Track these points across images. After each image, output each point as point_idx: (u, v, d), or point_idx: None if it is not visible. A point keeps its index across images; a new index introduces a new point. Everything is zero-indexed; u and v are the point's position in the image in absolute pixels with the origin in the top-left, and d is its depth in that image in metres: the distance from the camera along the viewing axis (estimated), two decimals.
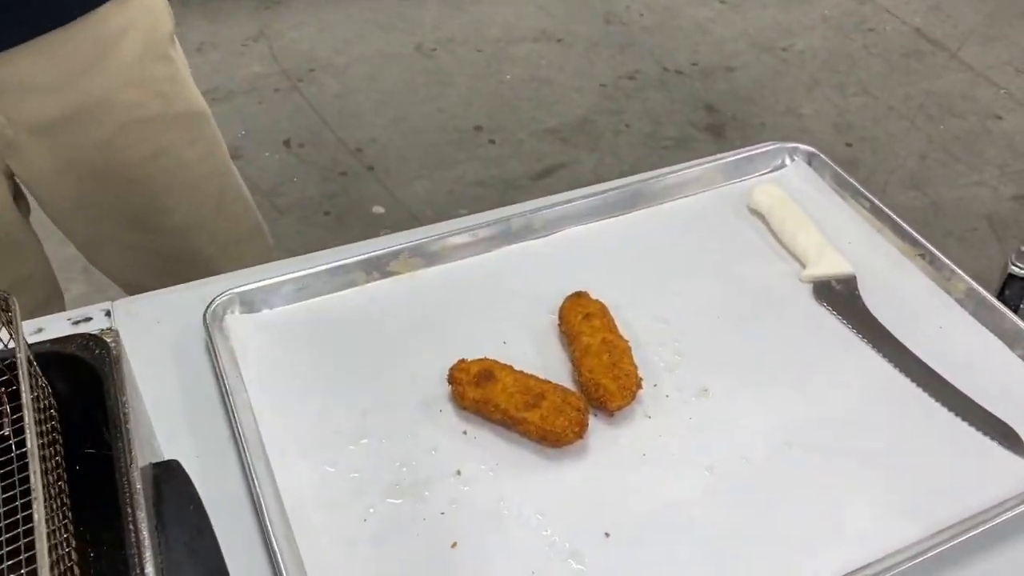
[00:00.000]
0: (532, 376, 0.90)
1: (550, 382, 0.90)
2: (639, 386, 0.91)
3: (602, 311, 0.97)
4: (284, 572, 0.75)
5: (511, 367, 0.91)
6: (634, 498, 0.85)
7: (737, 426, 0.92)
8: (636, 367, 0.92)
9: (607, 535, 0.82)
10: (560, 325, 0.98)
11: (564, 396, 0.87)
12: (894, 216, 1.14)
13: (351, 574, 0.78)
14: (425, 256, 1.07)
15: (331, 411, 0.91)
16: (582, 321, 0.95)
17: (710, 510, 0.85)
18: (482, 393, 0.88)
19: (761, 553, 0.81)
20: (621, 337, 0.95)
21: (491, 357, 0.92)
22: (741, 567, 0.80)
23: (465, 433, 0.90)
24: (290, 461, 0.86)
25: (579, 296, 0.99)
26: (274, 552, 0.77)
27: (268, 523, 0.78)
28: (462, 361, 0.91)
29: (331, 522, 0.82)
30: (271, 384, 0.93)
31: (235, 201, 1.23)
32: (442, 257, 1.07)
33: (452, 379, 0.90)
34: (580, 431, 0.86)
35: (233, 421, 0.87)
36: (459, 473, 0.86)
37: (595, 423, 0.91)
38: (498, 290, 1.05)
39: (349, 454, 0.87)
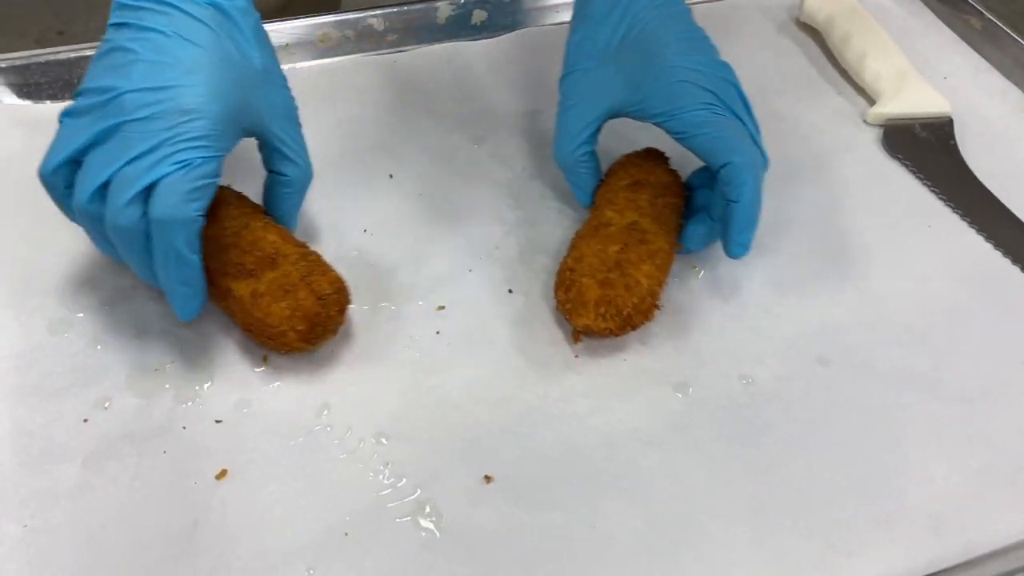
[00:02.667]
0: (284, 233, 0.53)
1: (309, 250, 0.53)
2: (645, 315, 0.53)
3: (670, 188, 0.59)
4: None
5: (260, 210, 0.55)
6: (550, 425, 0.51)
7: (740, 327, 0.56)
8: (660, 286, 0.54)
9: (488, 480, 0.48)
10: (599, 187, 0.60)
11: (313, 269, 0.51)
12: (1021, 40, 0.75)
13: (31, 508, 0.46)
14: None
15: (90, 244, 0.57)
16: (624, 189, 0.58)
17: (674, 455, 0.50)
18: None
19: (755, 534, 0.47)
20: (667, 237, 0.56)
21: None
22: (715, 556, 0.46)
23: None
24: None
25: (647, 156, 0.61)
26: None
27: None
28: None
29: (28, 421, 0.49)
30: (13, 209, 0.59)
31: None
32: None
33: None
34: (308, 334, 0.50)
35: None
36: (265, 360, 0.53)
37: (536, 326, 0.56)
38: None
39: (102, 314, 0.54)
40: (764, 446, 0.51)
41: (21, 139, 0.63)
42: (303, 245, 0.53)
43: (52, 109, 0.65)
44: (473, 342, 0.54)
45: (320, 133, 0.66)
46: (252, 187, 0.56)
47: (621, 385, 0.53)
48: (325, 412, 0.51)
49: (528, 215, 0.62)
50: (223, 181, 0.57)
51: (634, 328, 0.53)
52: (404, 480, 0.48)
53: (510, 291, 0.57)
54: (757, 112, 0.71)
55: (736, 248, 0.55)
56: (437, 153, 0.65)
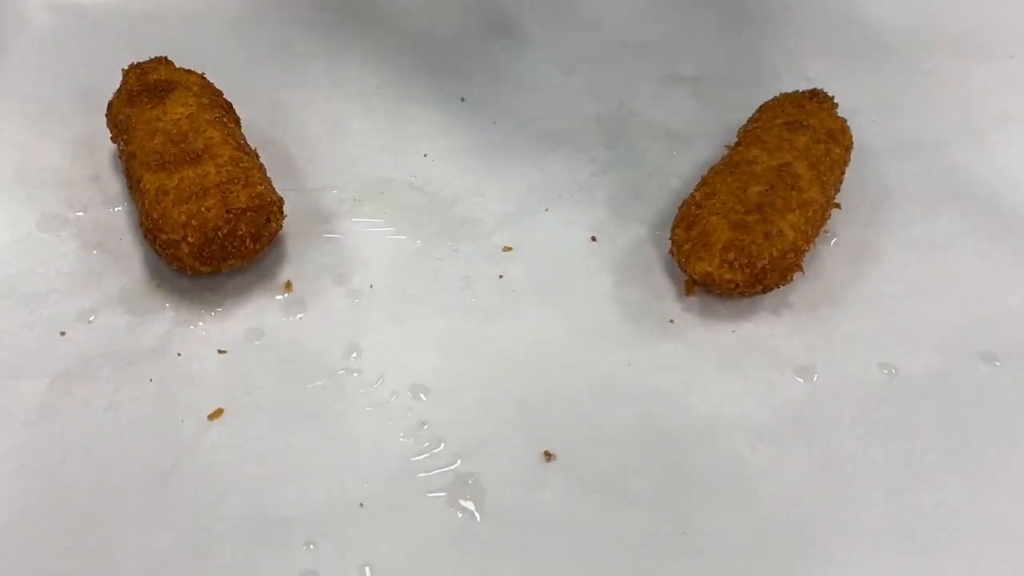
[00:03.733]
0: (234, 134, 0.44)
1: (251, 157, 0.44)
2: (782, 275, 0.42)
3: (835, 137, 0.47)
4: None
5: (222, 105, 0.46)
6: (633, 399, 0.40)
7: (881, 307, 0.45)
8: (808, 244, 0.43)
9: (549, 457, 0.38)
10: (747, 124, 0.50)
11: (239, 178, 0.41)
12: None
13: None
14: None
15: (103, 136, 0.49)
16: (779, 128, 0.47)
17: (791, 452, 0.39)
18: (131, 116, 0.44)
19: (898, 565, 0.35)
20: (823, 190, 0.45)
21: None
22: None
23: None
24: None
25: (811, 97, 0.49)
26: None
27: None
28: (158, 61, 0.47)
29: (10, 322, 0.40)
30: (25, 92, 0.51)
31: None
32: None
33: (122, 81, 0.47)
34: (202, 250, 0.40)
35: None
36: (289, 286, 0.43)
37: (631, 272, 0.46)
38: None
39: (106, 215, 0.45)
40: (913, 455, 0.39)
41: (51, 24, 0.56)
42: (249, 152, 0.44)
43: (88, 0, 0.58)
44: (543, 291, 0.44)
45: (388, 44, 0.57)
46: (253, 111, 0.47)
47: (727, 360, 0.42)
48: (354, 355, 0.41)
49: (623, 155, 0.51)
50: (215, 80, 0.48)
51: (765, 290, 0.42)
52: (442, 446, 0.38)
53: (593, 239, 0.47)
54: (910, 71, 0.60)
55: None
56: (520, 79, 0.55)
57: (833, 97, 0.50)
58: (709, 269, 0.41)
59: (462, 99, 0.54)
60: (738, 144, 0.47)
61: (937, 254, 0.47)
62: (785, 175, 0.43)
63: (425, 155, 0.50)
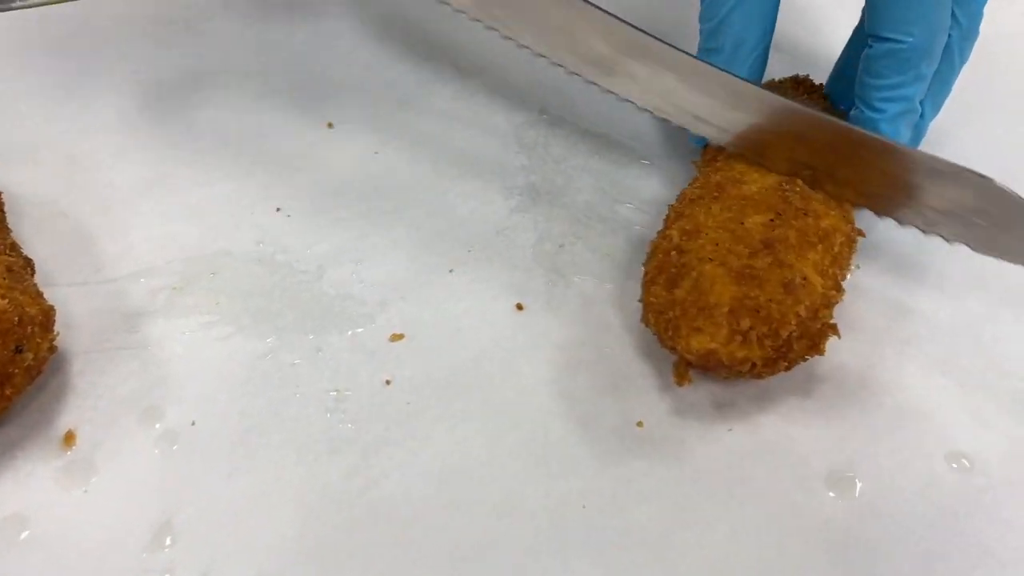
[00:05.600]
0: None
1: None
2: (813, 343, 0.29)
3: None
4: None
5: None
6: (593, 553, 0.27)
7: (934, 369, 0.32)
8: (839, 292, 0.30)
9: None
10: None
11: None
12: None
13: None
14: None
15: None
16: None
17: None
18: None
19: None
20: (843, 211, 0.32)
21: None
22: None
23: None
24: None
25: (796, 87, 0.37)
26: None
27: None
28: None
29: None
30: None
31: None
32: None
33: None
34: None
35: None
36: (70, 439, 0.29)
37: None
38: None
39: None
40: None
41: None
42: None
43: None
44: (452, 398, 0.30)
45: (228, 63, 0.42)
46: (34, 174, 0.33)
47: (728, 477, 0.28)
48: (168, 541, 0.27)
49: (551, 181, 0.38)
50: None
51: (789, 366, 0.29)
52: None
53: (520, 307, 0.33)
54: None
55: None
56: (405, 90, 0.42)
57: (822, 85, 0.37)
58: (713, 345, 0.27)
59: (329, 125, 0.40)
60: (711, 157, 0.34)
61: (1000, 282, 0.34)
62: (792, 195, 0.30)
63: (278, 209, 0.36)
